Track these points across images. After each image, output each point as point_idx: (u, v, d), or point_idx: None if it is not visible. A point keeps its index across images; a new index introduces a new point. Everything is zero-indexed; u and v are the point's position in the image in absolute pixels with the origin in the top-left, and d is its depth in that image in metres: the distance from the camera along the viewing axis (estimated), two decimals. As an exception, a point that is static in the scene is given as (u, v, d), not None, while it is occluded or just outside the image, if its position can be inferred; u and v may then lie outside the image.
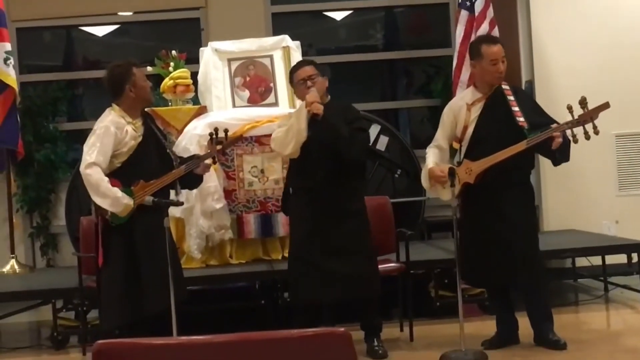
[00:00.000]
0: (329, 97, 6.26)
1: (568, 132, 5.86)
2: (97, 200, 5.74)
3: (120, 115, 5.89)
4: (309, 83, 6.15)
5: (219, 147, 6.00)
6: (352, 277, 6.05)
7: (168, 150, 6.08)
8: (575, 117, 5.79)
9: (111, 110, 5.94)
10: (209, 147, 6.09)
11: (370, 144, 8.44)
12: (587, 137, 5.77)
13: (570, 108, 5.75)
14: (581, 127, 5.78)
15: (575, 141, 5.86)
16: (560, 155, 6.01)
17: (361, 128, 6.23)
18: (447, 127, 6.28)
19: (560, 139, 5.81)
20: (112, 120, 5.86)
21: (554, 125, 5.89)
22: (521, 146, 5.90)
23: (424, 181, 6.32)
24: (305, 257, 6.11)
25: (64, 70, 10.17)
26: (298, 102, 7.71)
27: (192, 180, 6.13)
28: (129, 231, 5.81)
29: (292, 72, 6.38)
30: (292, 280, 6.29)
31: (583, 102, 5.77)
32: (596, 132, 5.76)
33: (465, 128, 6.17)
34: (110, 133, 5.79)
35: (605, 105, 5.76)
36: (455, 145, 6.21)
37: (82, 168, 5.79)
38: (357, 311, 6.34)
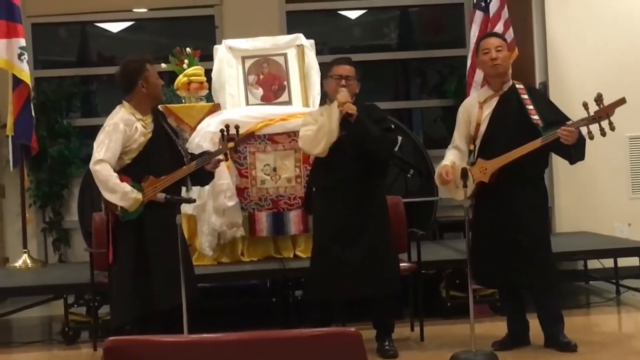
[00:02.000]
0: (355, 100, 6.26)
1: (584, 129, 5.84)
2: (107, 195, 5.77)
3: (130, 112, 5.91)
4: (343, 82, 6.15)
5: (230, 144, 6.02)
6: (375, 274, 6.08)
7: (179, 147, 6.09)
8: (591, 113, 5.76)
9: (121, 107, 5.97)
10: (220, 143, 6.10)
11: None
12: (603, 133, 5.74)
13: (585, 105, 5.71)
14: (596, 125, 5.76)
15: (591, 137, 5.80)
16: (575, 153, 5.95)
17: (388, 128, 6.29)
18: (462, 126, 6.27)
19: (570, 133, 5.77)
20: (121, 117, 5.88)
21: (569, 122, 5.87)
22: (536, 144, 5.87)
23: (437, 179, 6.31)
24: (328, 255, 6.13)
25: (79, 66, 10.19)
26: (312, 99, 7.76)
27: (203, 176, 6.14)
28: (140, 227, 5.83)
29: (332, 64, 6.35)
30: (313, 276, 6.28)
31: (599, 99, 5.73)
32: (612, 129, 5.71)
33: (478, 126, 6.15)
34: (119, 130, 5.82)
35: (622, 101, 5.72)
36: (471, 147, 6.20)
37: (91, 164, 5.82)
38: (372, 309, 6.35)
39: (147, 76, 5.93)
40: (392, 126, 6.55)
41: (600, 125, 5.74)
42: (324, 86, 6.50)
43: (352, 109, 6.01)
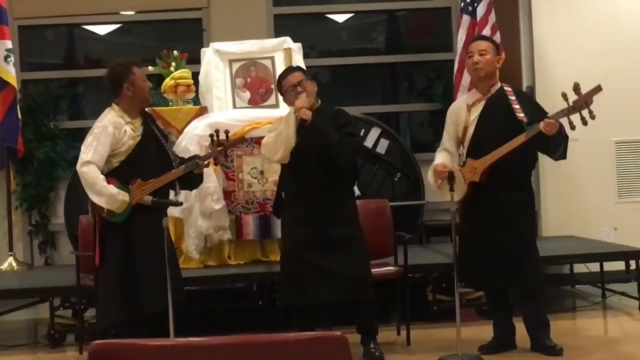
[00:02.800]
0: (320, 101, 6.26)
1: (565, 123, 5.83)
2: (94, 197, 5.76)
3: (119, 114, 5.90)
4: (298, 89, 6.13)
5: (219, 148, 6.02)
6: (347, 279, 6.04)
7: (168, 151, 6.08)
8: (570, 103, 5.78)
9: (110, 109, 5.96)
10: (209, 148, 6.10)
11: (371, 147, 8.46)
12: (584, 122, 5.76)
13: (564, 95, 5.73)
14: (577, 115, 5.77)
15: (573, 127, 5.82)
16: (554, 145, 5.96)
17: (351, 133, 6.21)
18: (451, 129, 6.29)
19: (552, 123, 5.77)
20: (110, 120, 5.87)
21: (550, 114, 5.88)
22: (521, 139, 5.89)
23: (431, 180, 6.31)
24: (300, 260, 6.09)
25: (66, 69, 10.15)
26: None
27: (192, 180, 6.13)
28: (127, 230, 5.83)
29: (281, 79, 6.33)
30: (284, 282, 6.27)
31: (577, 88, 5.75)
32: (592, 117, 5.74)
33: (466, 129, 6.18)
34: (107, 132, 5.81)
35: (598, 88, 5.75)
36: (460, 150, 6.22)
37: (78, 166, 5.81)
38: (353, 314, 6.34)
39: (133, 79, 5.92)
40: (359, 132, 6.48)
41: (580, 114, 5.76)
42: (285, 103, 6.45)
43: (306, 114, 5.99)
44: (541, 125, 5.79)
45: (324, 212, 6.07)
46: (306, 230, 6.08)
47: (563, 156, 6.08)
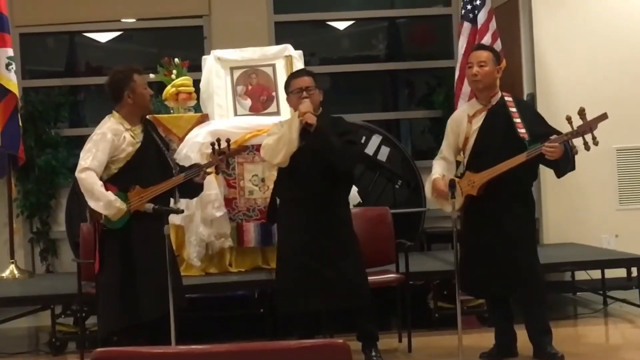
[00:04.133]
0: (321, 109, 6.26)
1: (571, 142, 5.87)
2: (91, 203, 5.77)
3: (119, 121, 5.91)
4: (304, 94, 6.14)
5: (220, 156, 6.02)
6: (343, 286, 6.04)
7: (168, 158, 6.08)
8: (575, 128, 5.79)
9: (111, 116, 5.97)
10: (210, 156, 6.10)
11: (372, 155, 8.46)
12: (587, 147, 5.78)
13: (569, 119, 5.75)
14: (580, 138, 5.79)
15: (576, 152, 5.87)
16: (563, 166, 5.98)
17: (352, 141, 6.22)
18: (451, 138, 6.29)
19: (554, 148, 5.79)
20: (110, 127, 5.88)
21: (554, 137, 5.89)
22: (521, 158, 5.90)
23: (428, 191, 6.32)
24: (296, 267, 6.08)
25: (67, 76, 10.18)
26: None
27: (192, 189, 6.12)
28: (126, 237, 5.83)
29: (290, 79, 6.35)
30: (281, 290, 6.26)
31: (582, 113, 5.76)
32: (595, 143, 5.76)
33: (467, 140, 6.17)
34: (106, 139, 5.82)
35: (604, 116, 5.76)
36: (460, 158, 6.22)
37: (77, 172, 5.83)
38: (353, 321, 6.33)
39: (133, 86, 5.92)
40: (359, 140, 6.50)
41: (584, 139, 5.77)
42: (288, 103, 6.47)
43: (311, 119, 6.00)
44: (543, 150, 5.80)
45: (320, 218, 6.07)
46: (302, 237, 6.08)
47: (572, 169, 6.06)
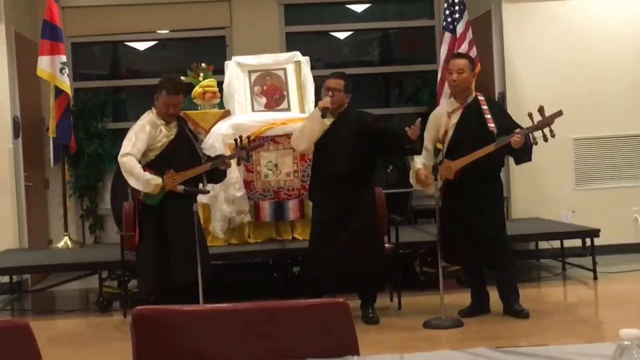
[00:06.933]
0: (346, 106, 6.25)
1: (531, 135, 5.87)
2: (132, 182, 5.79)
3: (156, 117, 5.93)
4: (330, 93, 6.15)
5: (242, 150, 6.04)
6: (362, 254, 6.07)
7: (198, 150, 6.10)
8: (535, 122, 5.80)
9: (150, 112, 5.99)
10: (234, 150, 6.12)
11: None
12: (545, 139, 5.79)
13: (530, 115, 5.77)
14: (540, 131, 5.80)
15: (536, 143, 5.89)
16: (521, 155, 6.03)
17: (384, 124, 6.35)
18: (432, 131, 6.28)
19: (519, 139, 5.81)
20: (149, 120, 5.92)
21: (518, 130, 5.90)
22: (490, 148, 5.92)
23: (412, 179, 6.32)
24: (325, 238, 6.11)
25: (111, 79, 10.18)
26: (307, 107, 7.76)
27: (217, 176, 6.16)
28: (162, 214, 5.85)
29: (327, 78, 6.34)
30: (313, 256, 6.26)
31: (541, 110, 5.79)
32: (552, 135, 5.78)
33: (446, 133, 6.17)
34: (145, 131, 5.85)
35: (559, 113, 5.78)
36: (439, 145, 6.21)
37: (119, 157, 5.87)
38: (359, 281, 6.34)
39: (158, 97, 5.94)
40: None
41: (543, 132, 5.79)
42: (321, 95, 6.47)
43: (323, 103, 6.08)
44: (512, 141, 5.82)
45: (345, 197, 6.09)
46: (330, 214, 6.12)
47: (528, 160, 6.09)
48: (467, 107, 6.15)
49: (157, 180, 5.75)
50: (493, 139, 5.93)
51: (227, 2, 9.85)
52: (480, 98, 6.17)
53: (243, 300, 2.71)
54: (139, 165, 5.78)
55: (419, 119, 6.00)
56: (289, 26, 10.02)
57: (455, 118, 6.16)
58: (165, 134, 5.91)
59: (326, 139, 6.14)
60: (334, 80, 6.24)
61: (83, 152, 9.26)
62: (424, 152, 6.26)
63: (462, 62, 6.20)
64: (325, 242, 6.10)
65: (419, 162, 6.23)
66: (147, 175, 5.75)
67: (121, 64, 10.36)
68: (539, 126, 5.80)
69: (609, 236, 7.72)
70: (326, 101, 6.10)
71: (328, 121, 6.12)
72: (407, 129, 5.86)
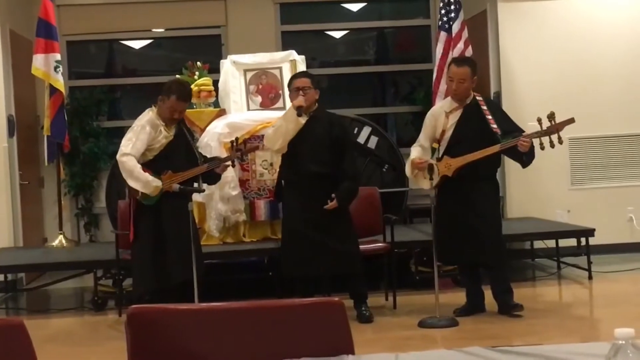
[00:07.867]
0: (317, 105, 6.27)
1: (536, 140, 5.89)
2: (131, 182, 5.78)
3: (156, 117, 5.93)
4: (301, 92, 6.15)
5: (238, 153, 6.05)
6: (339, 254, 6.08)
7: (195, 151, 6.10)
8: (544, 128, 5.80)
9: (150, 111, 5.98)
10: (230, 152, 6.13)
11: (363, 143, 8.43)
12: (552, 145, 5.83)
13: (539, 120, 5.77)
14: (547, 137, 5.81)
15: (542, 148, 5.90)
16: (527, 159, 6.04)
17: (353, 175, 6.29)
18: (429, 130, 6.27)
19: (527, 143, 5.82)
20: (149, 120, 5.91)
21: (525, 133, 5.91)
22: (495, 148, 5.93)
23: (408, 171, 6.31)
24: (298, 239, 6.11)
25: (106, 77, 10.16)
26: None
27: (212, 177, 6.17)
28: (157, 212, 5.85)
29: (292, 79, 6.40)
30: (286, 258, 6.27)
31: (551, 116, 5.81)
32: (560, 142, 5.80)
33: (444, 132, 6.16)
34: (145, 131, 5.84)
35: (571, 120, 5.79)
36: (435, 145, 6.22)
37: (118, 156, 5.85)
38: (346, 283, 6.35)
39: (164, 100, 5.92)
40: (353, 149, 6.61)
41: (550, 138, 5.79)
42: (289, 98, 6.46)
43: (298, 102, 6.09)
44: (520, 144, 5.82)
45: (316, 197, 6.07)
46: (302, 214, 6.10)
47: (531, 162, 6.09)
48: (467, 108, 6.15)
49: (158, 182, 5.75)
50: (494, 140, 5.93)
51: (223, 0, 9.84)
52: (479, 99, 6.17)
53: (238, 299, 2.71)
54: (139, 166, 5.78)
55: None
56: (284, 25, 10.01)
57: (453, 118, 6.15)
58: (164, 135, 5.91)
59: (300, 138, 6.13)
60: (300, 79, 6.26)
61: (78, 151, 9.26)
62: (419, 148, 6.25)
63: (463, 72, 6.12)
64: (298, 245, 6.10)
65: (414, 155, 6.20)
66: (148, 176, 5.75)
67: (116, 62, 10.34)
68: (548, 132, 5.81)
69: (604, 236, 7.73)
70: (300, 100, 6.12)
71: (303, 120, 6.13)
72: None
